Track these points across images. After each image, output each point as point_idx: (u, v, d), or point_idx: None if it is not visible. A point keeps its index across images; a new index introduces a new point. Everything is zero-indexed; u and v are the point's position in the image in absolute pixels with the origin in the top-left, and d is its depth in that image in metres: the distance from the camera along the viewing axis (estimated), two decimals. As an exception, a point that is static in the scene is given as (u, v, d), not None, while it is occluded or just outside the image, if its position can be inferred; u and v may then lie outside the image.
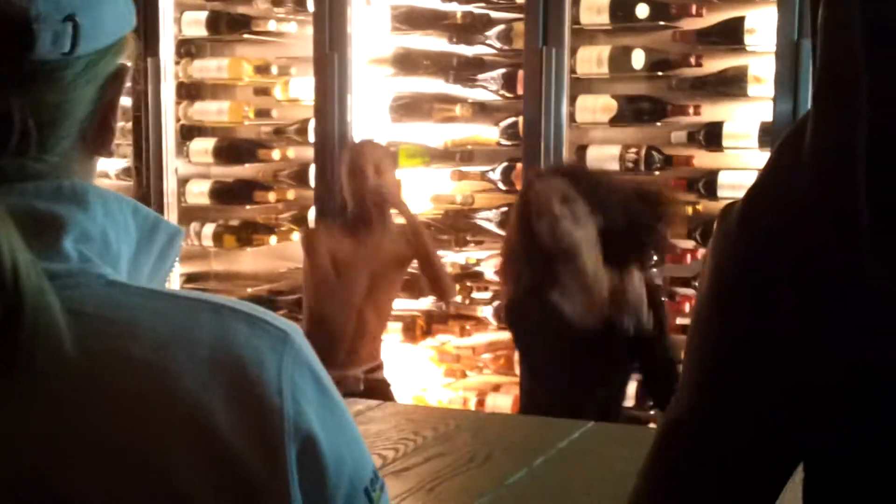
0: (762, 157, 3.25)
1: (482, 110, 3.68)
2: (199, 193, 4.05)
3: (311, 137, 3.78)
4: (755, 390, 0.70)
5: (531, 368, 2.69)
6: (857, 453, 0.68)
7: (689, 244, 3.39)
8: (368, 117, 3.76)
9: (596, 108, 3.42)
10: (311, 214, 3.85)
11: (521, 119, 3.46)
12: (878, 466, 0.67)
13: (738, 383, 0.71)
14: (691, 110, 3.32)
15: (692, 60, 3.32)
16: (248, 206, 4.02)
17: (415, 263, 3.31)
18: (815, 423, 0.68)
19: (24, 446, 0.67)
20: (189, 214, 4.07)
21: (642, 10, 3.31)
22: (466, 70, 3.64)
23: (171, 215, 3.96)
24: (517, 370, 3.44)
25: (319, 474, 0.72)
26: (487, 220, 3.63)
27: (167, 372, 0.69)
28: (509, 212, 2.87)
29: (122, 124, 4.10)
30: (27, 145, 0.71)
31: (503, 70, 3.56)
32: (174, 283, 3.93)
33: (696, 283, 3.31)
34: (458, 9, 3.63)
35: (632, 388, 3.36)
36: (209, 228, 4.04)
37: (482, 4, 3.62)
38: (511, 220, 2.73)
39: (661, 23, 3.35)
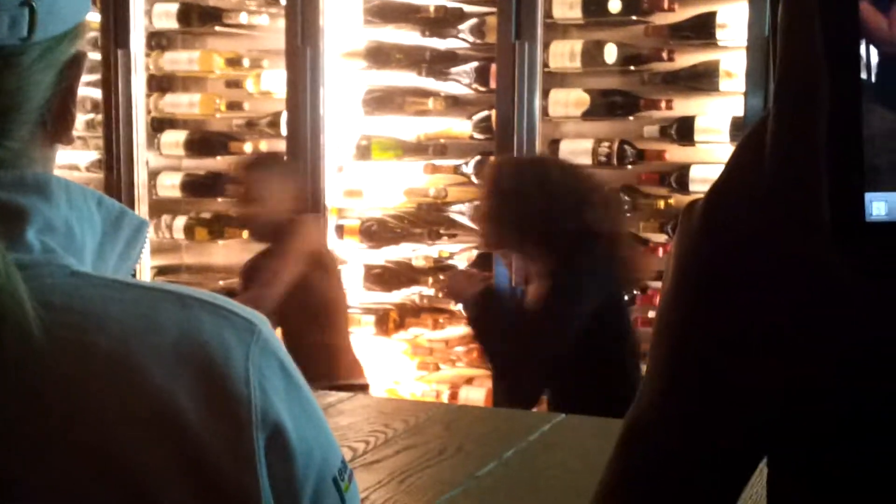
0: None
1: (455, 104, 3.68)
2: (170, 186, 4.02)
3: (284, 130, 3.76)
4: (718, 390, 0.70)
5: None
6: (821, 450, 0.69)
7: (661, 238, 3.40)
8: (341, 110, 3.75)
9: (569, 102, 3.42)
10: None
11: (493, 113, 3.46)
12: (842, 463, 0.68)
13: (701, 383, 0.71)
14: (663, 105, 3.33)
15: (664, 55, 3.33)
16: (219, 199, 3.99)
17: None
18: (779, 421, 0.69)
19: None
20: (160, 207, 4.05)
21: (615, 5, 3.32)
22: (439, 63, 3.64)
23: (142, 208, 3.94)
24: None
25: (288, 464, 0.72)
26: (461, 213, 3.63)
27: (133, 363, 0.68)
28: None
29: (93, 116, 4.07)
30: None
31: (476, 64, 3.56)
32: (145, 275, 3.91)
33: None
34: (431, 2, 3.62)
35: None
36: (181, 221, 4.02)
37: (455, -2, 3.62)
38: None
39: (634, 17, 3.36)
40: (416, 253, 3.80)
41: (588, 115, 3.41)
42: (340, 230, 3.78)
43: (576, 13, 3.38)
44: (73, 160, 4.10)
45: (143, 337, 0.69)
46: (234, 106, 4.03)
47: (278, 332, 2.57)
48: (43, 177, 0.73)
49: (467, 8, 3.59)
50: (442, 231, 3.73)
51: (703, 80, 3.29)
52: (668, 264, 0.72)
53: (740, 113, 3.16)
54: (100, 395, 0.68)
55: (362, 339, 3.82)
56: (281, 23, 3.72)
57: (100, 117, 3.96)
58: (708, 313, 0.69)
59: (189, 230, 4.01)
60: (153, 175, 4.03)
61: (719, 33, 3.23)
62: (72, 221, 0.73)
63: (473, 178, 3.58)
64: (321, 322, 3.23)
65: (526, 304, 2.63)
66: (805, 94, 0.61)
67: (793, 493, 0.71)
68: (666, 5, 3.31)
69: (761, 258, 0.66)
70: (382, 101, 3.73)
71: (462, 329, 3.55)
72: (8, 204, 0.70)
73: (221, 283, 4.02)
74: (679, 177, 3.31)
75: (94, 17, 3.72)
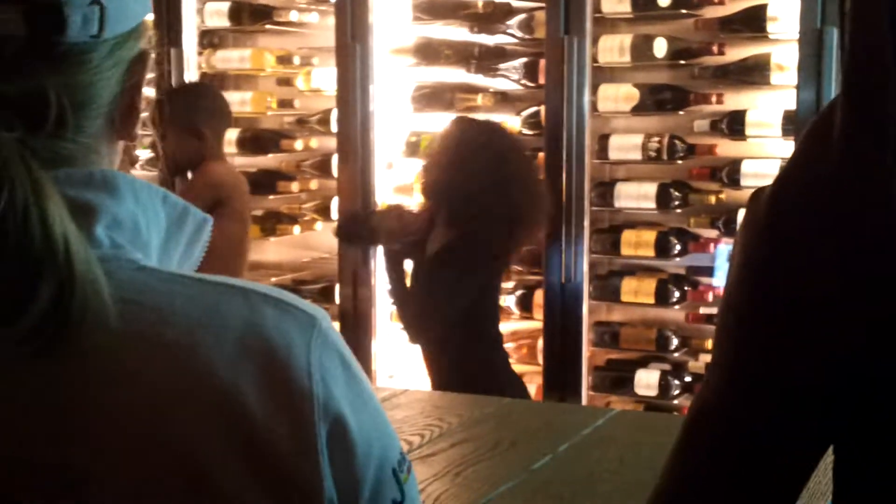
0: (785, 146, 3.24)
1: (504, 100, 3.68)
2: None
3: (334, 128, 3.79)
4: (787, 371, 0.70)
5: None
6: (888, 436, 0.69)
7: (713, 233, 3.38)
8: (390, 107, 3.77)
9: (618, 97, 3.41)
10: (335, 204, 3.86)
11: (542, 108, 3.46)
12: None
13: (767, 368, 0.71)
14: (714, 99, 3.31)
15: (714, 49, 3.31)
16: (271, 196, 4.03)
17: None
18: (848, 401, 0.69)
19: (55, 422, 0.69)
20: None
21: (664, -1, 3.31)
22: (488, 59, 3.64)
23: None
24: (540, 359, 3.46)
25: (349, 456, 0.73)
26: (509, 209, 3.63)
27: (198, 355, 0.70)
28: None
29: (146, 114, 4.13)
30: (63, 127, 0.72)
31: (525, 59, 3.56)
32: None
33: (717, 273, 3.31)
34: (480, -2, 3.63)
35: (655, 377, 3.38)
36: (233, 218, 4.05)
37: (503, -7, 3.62)
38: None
39: (683, 11, 3.34)
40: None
41: (637, 109, 3.40)
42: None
43: (625, 7, 3.36)
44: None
45: (208, 330, 0.71)
46: (284, 104, 4.06)
47: None
48: (110, 174, 0.75)
49: (516, 3, 3.60)
50: (491, 226, 3.72)
51: (754, 73, 3.26)
52: (735, 249, 0.73)
53: (792, 106, 3.13)
54: (166, 385, 0.70)
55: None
56: (331, 20, 3.75)
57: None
58: (774, 299, 0.70)
59: (241, 227, 4.05)
60: (206, 173, 4.08)
61: (770, 26, 3.21)
62: (138, 217, 0.75)
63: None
64: (214, 264, 3.22)
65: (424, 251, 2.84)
66: (875, 82, 0.61)
67: (859, 480, 0.72)
68: (716, -2, 3.29)
69: (827, 245, 0.66)
70: (431, 97, 3.74)
71: (512, 325, 3.56)
72: (77, 200, 0.72)
73: (273, 279, 4.06)
74: (730, 171, 3.29)
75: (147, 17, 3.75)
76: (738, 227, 0.74)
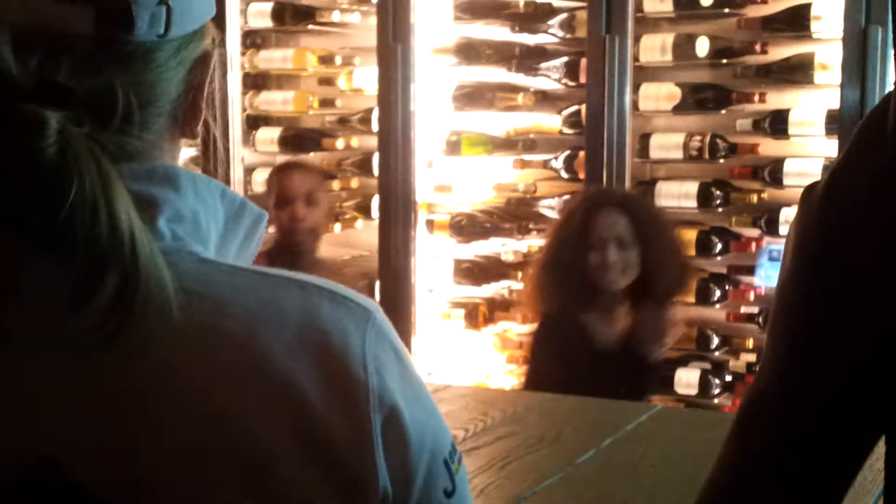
0: (828, 145, 3.22)
1: (544, 99, 3.69)
2: (265, 182, 4.10)
3: (375, 127, 3.82)
4: (841, 365, 0.70)
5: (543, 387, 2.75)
6: None
7: (755, 232, 3.37)
8: (431, 106, 3.78)
9: (659, 96, 3.41)
10: (375, 202, 3.88)
11: (583, 107, 3.47)
12: None
13: (821, 363, 0.71)
14: (756, 98, 3.30)
15: (757, 48, 3.30)
16: (312, 195, 4.05)
17: None
18: None
19: (120, 411, 0.70)
20: (255, 202, 4.11)
21: (707, -2, 3.30)
22: (529, 59, 3.65)
23: (238, 203, 4.01)
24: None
25: (403, 445, 0.75)
26: (550, 208, 3.64)
27: (257, 345, 0.72)
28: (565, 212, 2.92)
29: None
30: (130, 122, 0.74)
31: (566, 59, 3.57)
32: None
33: (759, 272, 3.30)
34: (521, -2, 3.64)
35: (695, 376, 3.37)
36: (274, 217, 4.09)
37: (545, -7, 3.63)
38: (554, 235, 2.79)
39: (726, 10, 3.33)
40: (506, 248, 3.82)
41: (679, 109, 3.39)
42: (430, 225, 3.82)
43: (667, 6, 3.36)
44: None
45: (267, 321, 0.73)
46: (326, 103, 4.09)
47: None
48: (172, 168, 0.77)
49: (557, 3, 3.60)
50: (531, 226, 3.74)
51: (797, 72, 3.25)
52: (788, 244, 0.73)
53: (836, 106, 3.12)
54: (227, 375, 0.71)
55: (452, 333, 3.86)
56: (372, 20, 3.77)
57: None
58: (830, 287, 0.69)
59: (282, 225, 4.08)
60: (248, 171, 4.12)
61: (814, 25, 3.19)
62: (198, 211, 0.77)
63: (563, 173, 3.59)
64: None
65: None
66: None
67: None
68: (759, -3, 3.28)
69: (883, 233, 0.66)
70: (472, 96, 3.75)
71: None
72: (141, 194, 0.73)
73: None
74: (772, 171, 3.28)
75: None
76: (789, 223, 0.74)
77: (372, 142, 3.87)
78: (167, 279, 0.70)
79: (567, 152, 3.57)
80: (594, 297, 2.65)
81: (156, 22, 0.74)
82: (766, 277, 3.30)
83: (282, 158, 4.12)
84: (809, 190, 0.73)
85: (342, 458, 0.72)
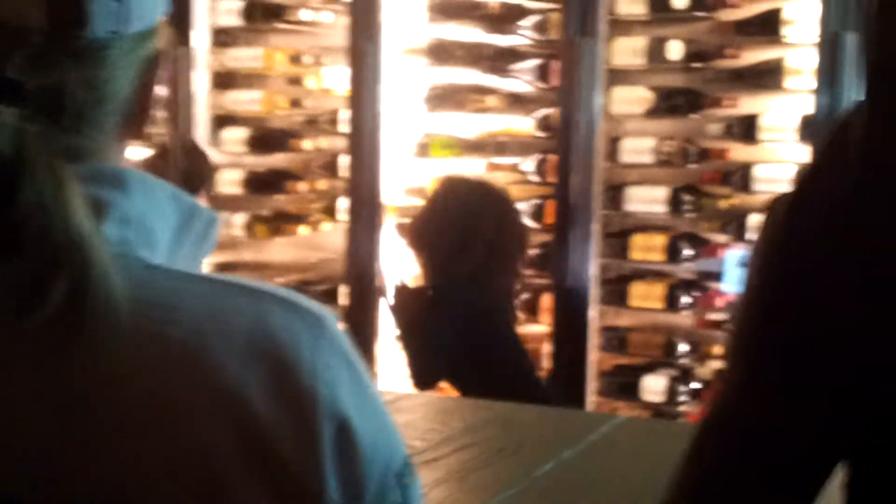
0: (799, 151, 3.21)
1: (516, 101, 3.66)
2: (231, 182, 4.05)
3: (344, 128, 3.78)
4: (800, 382, 0.69)
5: None
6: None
7: (724, 238, 3.35)
8: (402, 108, 3.75)
9: (631, 99, 3.39)
10: (342, 205, 3.85)
11: (555, 110, 3.44)
12: None
13: (783, 374, 0.70)
14: (727, 102, 3.29)
15: (729, 52, 3.28)
16: (279, 196, 4.02)
17: None
18: (861, 415, 0.67)
19: (66, 419, 0.68)
20: (221, 203, 4.08)
21: (679, 1, 3.28)
22: (501, 61, 3.63)
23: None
24: (546, 363, 3.44)
25: (354, 459, 0.73)
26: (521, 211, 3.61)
27: (205, 354, 0.70)
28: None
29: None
30: (81, 121, 0.73)
31: (538, 61, 3.54)
32: (205, 271, 3.94)
33: (728, 278, 3.29)
34: (493, -1, 3.62)
35: (662, 383, 3.36)
36: (240, 218, 4.04)
37: (517, -6, 3.61)
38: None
39: (699, 13, 3.32)
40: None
41: (651, 113, 3.38)
42: (399, 228, 3.78)
43: (640, 9, 3.34)
44: (136, 155, 4.15)
45: (215, 329, 0.71)
46: (295, 103, 4.05)
47: None
48: (121, 170, 0.75)
49: (530, 4, 3.58)
50: (501, 229, 3.71)
51: (768, 77, 3.24)
52: (752, 260, 0.72)
53: (806, 111, 3.11)
54: (174, 384, 0.69)
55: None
56: (342, 20, 3.74)
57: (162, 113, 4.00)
58: (792, 303, 0.69)
59: (249, 227, 4.04)
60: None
61: (786, 30, 3.18)
62: (147, 215, 0.75)
63: (533, 177, 3.56)
64: None
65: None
66: None
67: (870, 495, 0.70)
68: (731, 1, 3.26)
69: (847, 249, 0.65)
70: (444, 98, 3.73)
71: (536, 328, 3.55)
72: (87, 196, 0.71)
73: (279, 279, 4.05)
74: (742, 176, 3.27)
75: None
76: (754, 233, 0.72)
77: (340, 143, 3.83)
78: (118, 285, 0.68)
79: (538, 155, 3.55)
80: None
81: (110, 18, 0.72)
82: (734, 283, 3.29)
83: (249, 159, 4.08)
84: (776, 203, 0.72)
85: (291, 470, 0.70)
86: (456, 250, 2.93)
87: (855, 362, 0.66)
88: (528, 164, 3.57)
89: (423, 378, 2.94)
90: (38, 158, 0.66)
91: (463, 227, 2.95)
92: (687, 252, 3.36)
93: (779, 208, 0.70)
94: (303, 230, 4.01)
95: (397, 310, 3.09)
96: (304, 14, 3.95)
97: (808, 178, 0.70)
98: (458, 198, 3.04)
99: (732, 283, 3.28)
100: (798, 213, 0.69)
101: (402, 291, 3.09)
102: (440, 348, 2.88)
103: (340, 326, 0.76)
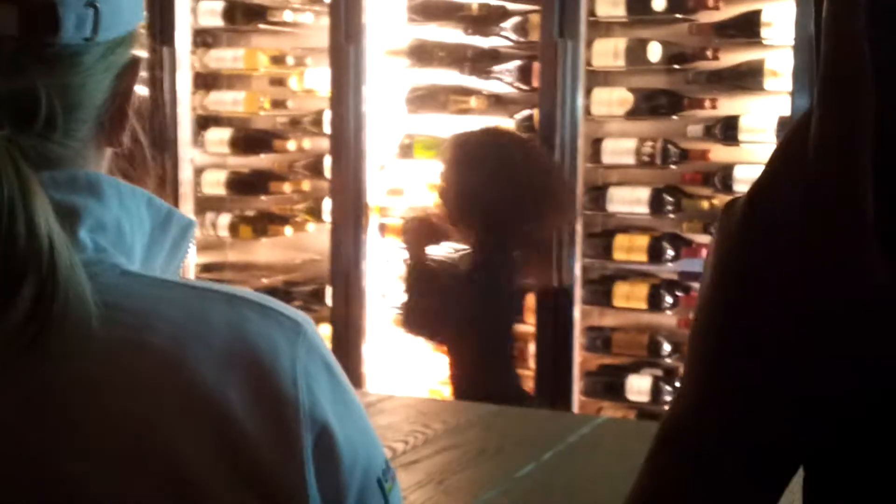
0: (778, 152, 3.23)
1: (497, 102, 3.67)
2: (214, 183, 4.05)
3: (327, 128, 3.78)
4: (758, 395, 0.69)
5: None
6: (862, 456, 0.68)
7: (706, 239, 3.37)
8: (384, 109, 3.75)
9: (612, 100, 3.40)
10: (326, 205, 3.85)
11: (536, 112, 3.45)
12: (884, 469, 0.67)
13: (740, 387, 0.70)
14: (708, 104, 3.30)
15: (709, 54, 3.30)
16: (263, 197, 4.02)
17: None
18: (821, 427, 0.68)
19: (37, 425, 0.68)
20: (205, 204, 4.08)
21: (659, 3, 3.29)
22: (482, 62, 3.63)
23: (187, 205, 3.97)
24: (531, 364, 3.45)
25: (333, 464, 0.73)
26: (502, 212, 3.62)
27: (183, 362, 0.70)
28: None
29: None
30: (52, 128, 0.72)
31: (519, 62, 3.55)
32: (190, 273, 3.94)
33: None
34: (474, 0, 3.62)
35: (647, 383, 3.37)
36: (225, 219, 4.04)
37: (498, -4, 3.61)
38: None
39: (678, 15, 3.33)
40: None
41: (631, 114, 3.39)
42: (383, 228, 3.79)
43: (619, 11, 3.35)
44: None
45: (193, 337, 0.71)
46: (277, 104, 4.05)
47: None
48: (94, 176, 0.75)
49: (510, 6, 3.58)
50: (483, 230, 3.71)
51: (747, 79, 3.26)
52: (707, 264, 0.72)
53: (785, 112, 3.13)
54: (152, 392, 0.69)
55: (404, 338, 3.82)
56: (324, 21, 3.74)
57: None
58: (748, 314, 0.69)
59: (233, 228, 4.03)
60: (198, 172, 4.06)
61: (764, 31, 3.20)
62: (122, 221, 0.75)
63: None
64: None
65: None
66: (849, 89, 0.60)
67: (830, 495, 0.71)
68: (711, 3, 3.27)
69: (802, 259, 0.65)
70: (425, 99, 3.73)
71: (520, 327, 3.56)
72: (62, 203, 0.71)
73: (265, 280, 4.05)
74: (723, 177, 3.28)
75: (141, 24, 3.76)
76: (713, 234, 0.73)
77: (324, 144, 3.83)
78: (87, 290, 0.68)
79: (519, 156, 3.55)
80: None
81: (82, 24, 0.72)
82: (699, 290, 3.30)
83: (232, 160, 4.08)
84: (730, 206, 0.71)
85: (271, 477, 0.70)
86: (510, 203, 2.82)
87: (815, 363, 0.67)
88: (511, 164, 3.57)
89: (416, 322, 2.95)
90: (3, 163, 0.66)
91: (509, 180, 2.85)
92: (669, 252, 3.38)
93: (734, 210, 0.70)
94: (288, 231, 4.01)
95: (411, 242, 3.04)
96: (286, 15, 3.95)
97: (767, 176, 0.70)
98: (495, 152, 2.94)
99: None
100: (756, 214, 0.69)
101: (416, 226, 3.07)
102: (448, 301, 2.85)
103: (319, 331, 0.76)
